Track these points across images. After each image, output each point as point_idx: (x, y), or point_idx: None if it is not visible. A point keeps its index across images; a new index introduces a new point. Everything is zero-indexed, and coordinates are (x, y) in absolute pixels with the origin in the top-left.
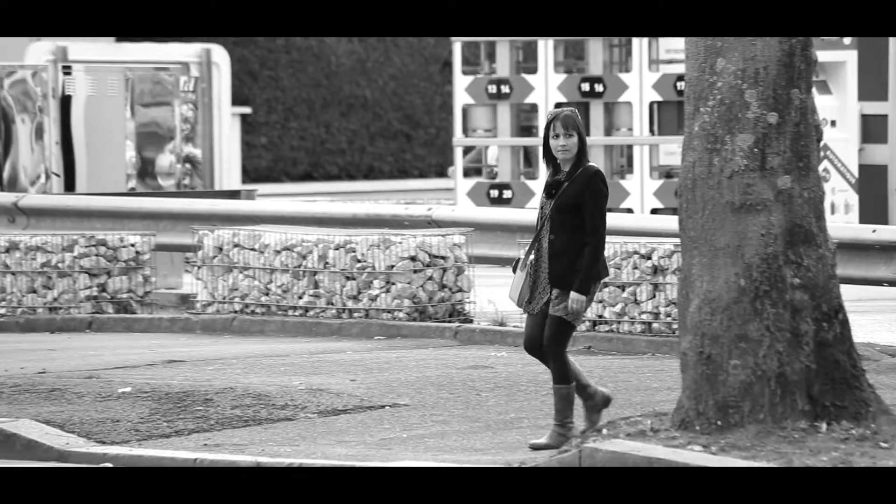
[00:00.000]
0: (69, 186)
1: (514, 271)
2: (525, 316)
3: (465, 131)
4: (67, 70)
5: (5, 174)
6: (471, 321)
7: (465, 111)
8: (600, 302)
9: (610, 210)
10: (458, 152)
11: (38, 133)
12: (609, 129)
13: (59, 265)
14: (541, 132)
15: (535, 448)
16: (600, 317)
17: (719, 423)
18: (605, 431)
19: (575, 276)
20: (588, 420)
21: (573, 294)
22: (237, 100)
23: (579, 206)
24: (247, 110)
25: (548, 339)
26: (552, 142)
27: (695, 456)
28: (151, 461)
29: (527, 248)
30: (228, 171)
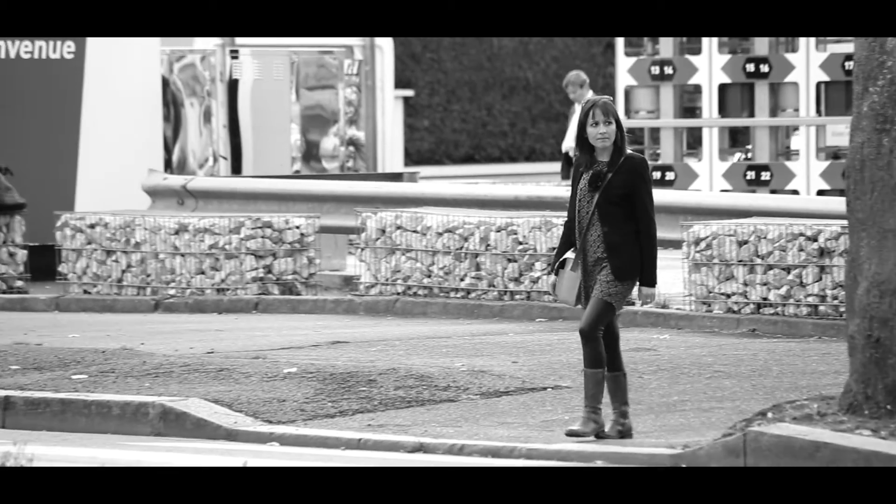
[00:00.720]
0: (236, 169)
1: (556, 273)
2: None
3: (628, 113)
4: (235, 54)
5: (175, 157)
6: (633, 304)
7: (628, 93)
8: (765, 284)
9: (774, 192)
10: None
11: (207, 116)
12: (774, 110)
13: (227, 247)
14: (710, 112)
15: (570, 434)
16: (765, 299)
17: (889, 407)
18: (769, 415)
19: (642, 269)
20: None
21: (645, 290)
22: (400, 83)
23: (629, 195)
24: (409, 93)
25: (590, 319)
26: (591, 129)
27: (863, 440)
28: (317, 441)
29: (576, 249)
30: (391, 153)
